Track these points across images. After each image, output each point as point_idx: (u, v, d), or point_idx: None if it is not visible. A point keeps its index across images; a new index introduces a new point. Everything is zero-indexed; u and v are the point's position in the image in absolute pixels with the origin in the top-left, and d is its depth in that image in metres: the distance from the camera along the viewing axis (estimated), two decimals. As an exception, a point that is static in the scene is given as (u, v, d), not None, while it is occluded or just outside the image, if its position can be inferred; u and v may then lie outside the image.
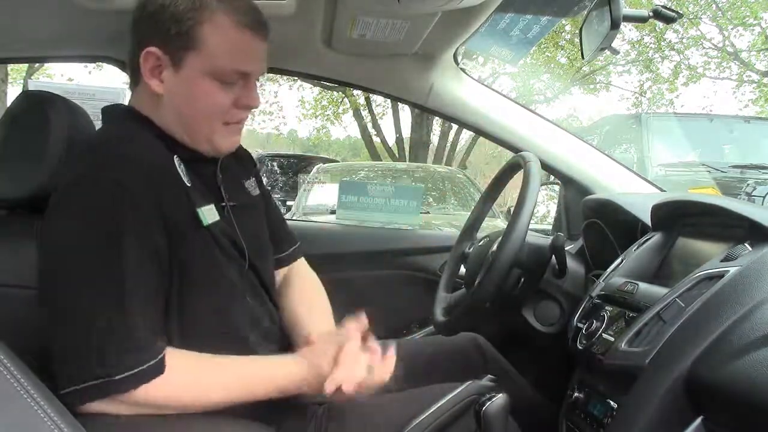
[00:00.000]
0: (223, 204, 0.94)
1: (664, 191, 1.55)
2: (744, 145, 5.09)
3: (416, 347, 1.28)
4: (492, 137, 1.61)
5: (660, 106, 12.36)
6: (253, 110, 0.98)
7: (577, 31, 1.28)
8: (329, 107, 13.12)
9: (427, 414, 0.92)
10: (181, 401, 0.81)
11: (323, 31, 1.39)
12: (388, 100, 10.71)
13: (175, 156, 0.89)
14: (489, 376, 1.10)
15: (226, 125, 0.92)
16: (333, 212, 2.29)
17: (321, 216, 3.53)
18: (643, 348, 0.80)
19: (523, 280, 1.18)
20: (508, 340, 1.35)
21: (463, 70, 1.57)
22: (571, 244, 1.51)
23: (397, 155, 12.12)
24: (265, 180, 1.15)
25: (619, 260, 1.11)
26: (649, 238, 1.09)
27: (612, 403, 0.87)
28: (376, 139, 12.55)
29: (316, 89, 12.39)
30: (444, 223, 4.07)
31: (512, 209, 1.11)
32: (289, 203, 5.55)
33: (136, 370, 0.76)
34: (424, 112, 6.11)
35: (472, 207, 1.46)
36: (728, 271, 0.79)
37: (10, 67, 9.11)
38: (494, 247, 1.17)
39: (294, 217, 4.09)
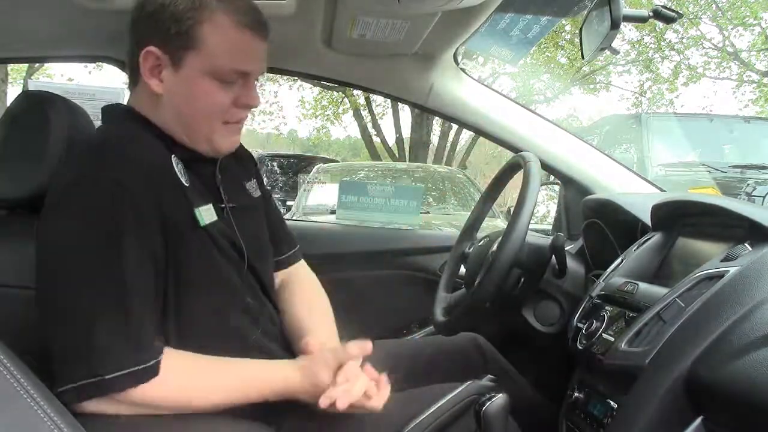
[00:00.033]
0: (222, 205, 0.94)
1: (664, 191, 1.55)
2: (744, 145, 5.09)
3: (416, 347, 1.28)
4: (492, 137, 1.61)
5: (660, 106, 12.37)
6: (253, 110, 0.98)
7: (577, 31, 1.28)
8: (329, 107, 13.12)
9: (427, 414, 0.92)
10: (177, 402, 0.81)
11: (323, 31, 1.39)
12: (388, 100, 10.71)
13: (173, 156, 0.89)
14: (489, 376, 1.10)
15: (226, 125, 0.92)
16: (333, 212, 2.29)
17: (321, 216, 3.54)
18: (643, 348, 0.80)
19: (523, 280, 1.18)
20: (508, 340, 1.35)
21: (463, 70, 1.57)
22: (571, 244, 1.51)
23: (397, 155, 12.12)
24: (264, 180, 1.15)
25: (619, 260, 1.11)
26: (649, 238, 1.09)
27: (612, 403, 0.87)
28: (376, 139, 12.55)
29: (316, 89, 12.39)
30: (444, 223, 4.07)
31: (512, 209, 1.11)
32: (289, 203, 5.56)
33: (132, 369, 0.76)
34: (424, 112, 6.11)
35: (472, 207, 1.46)
36: (728, 271, 0.79)
37: (10, 67, 9.11)
38: (494, 247, 1.17)
39: (294, 217, 4.09)
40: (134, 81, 0.92)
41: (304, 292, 1.11)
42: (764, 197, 3.80)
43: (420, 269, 1.74)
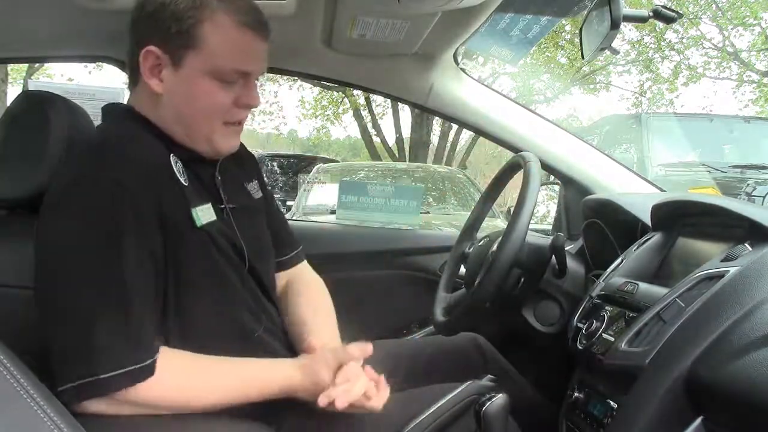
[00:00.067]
0: (222, 206, 0.94)
1: (664, 191, 1.55)
2: (744, 145, 5.09)
3: (416, 347, 1.28)
4: (492, 137, 1.61)
5: (660, 106, 12.37)
6: (253, 110, 0.98)
7: (577, 31, 1.28)
8: (329, 107, 13.12)
9: (427, 414, 0.92)
10: (176, 401, 0.81)
11: (323, 31, 1.39)
12: (388, 100, 10.72)
13: (171, 155, 0.89)
14: (489, 376, 1.10)
15: (226, 125, 0.92)
16: (333, 212, 2.29)
17: (321, 216, 3.54)
18: (643, 348, 0.80)
19: (523, 280, 1.18)
20: (508, 340, 1.35)
21: (463, 70, 1.57)
22: (571, 244, 1.51)
23: (397, 155, 12.12)
24: (265, 180, 1.15)
25: (619, 260, 1.11)
26: (649, 238, 1.09)
27: (612, 403, 0.87)
28: (376, 139, 12.55)
29: (316, 89, 12.40)
30: (444, 223, 4.07)
31: (512, 209, 1.11)
32: (289, 203, 5.56)
33: (129, 369, 0.76)
34: (424, 112, 6.11)
35: (472, 207, 1.46)
36: (728, 271, 0.79)
37: (10, 67, 9.11)
38: (494, 247, 1.17)
39: (294, 217, 4.09)
40: (134, 81, 0.92)
41: (309, 293, 1.11)
42: (764, 197, 3.80)
43: (420, 269, 1.74)
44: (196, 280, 0.86)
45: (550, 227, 2.25)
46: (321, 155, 11.22)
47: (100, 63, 1.77)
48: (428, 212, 4.61)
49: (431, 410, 0.93)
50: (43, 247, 0.83)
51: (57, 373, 0.75)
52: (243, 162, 1.06)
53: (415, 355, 1.21)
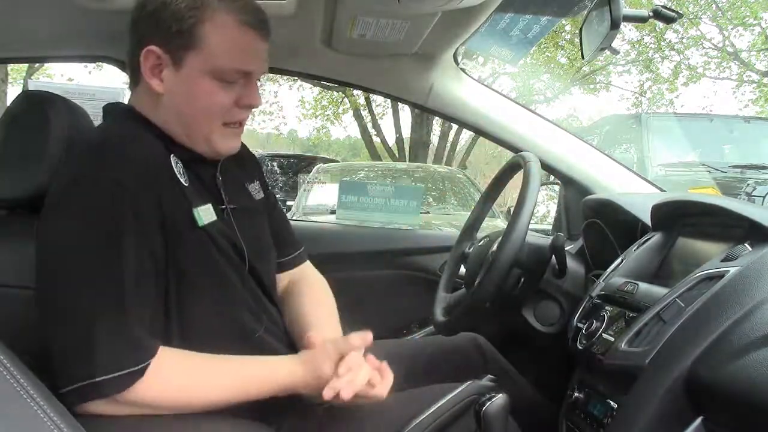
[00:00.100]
0: (223, 206, 0.93)
1: (664, 191, 1.55)
2: (744, 145, 5.09)
3: (416, 347, 1.28)
4: (492, 137, 1.61)
5: (660, 106, 12.37)
6: (252, 110, 0.98)
7: (577, 31, 1.28)
8: (329, 107, 13.12)
9: (427, 414, 0.92)
10: (176, 401, 0.81)
11: (323, 31, 1.39)
12: (388, 100, 10.72)
13: (172, 155, 0.88)
14: (489, 376, 1.10)
15: (226, 126, 0.92)
16: (333, 212, 2.29)
17: (321, 216, 3.54)
18: (643, 348, 0.80)
19: (523, 280, 1.18)
20: (508, 340, 1.35)
21: (463, 70, 1.57)
22: (571, 244, 1.51)
23: (397, 155, 12.12)
24: (266, 181, 1.15)
25: (619, 260, 1.11)
26: (649, 238, 1.09)
27: (612, 403, 0.87)
28: (376, 139, 12.55)
29: (316, 89, 12.39)
30: (444, 223, 4.07)
31: (512, 209, 1.11)
32: (289, 203, 5.55)
33: (128, 371, 0.75)
34: (424, 112, 6.11)
35: (472, 207, 1.46)
36: (728, 271, 0.79)
37: (10, 67, 9.11)
38: (494, 247, 1.17)
39: (294, 217, 4.09)
40: (135, 81, 0.92)
41: (312, 292, 1.11)
42: (764, 197, 3.80)
43: (420, 269, 1.74)
44: (197, 280, 0.86)
45: (550, 227, 2.25)
46: (321, 155, 11.22)
47: (100, 63, 1.76)
48: (428, 212, 4.61)
49: (431, 410, 0.93)
50: (43, 247, 0.83)
51: (57, 374, 0.75)
52: (244, 163, 1.06)
53: (415, 355, 1.21)
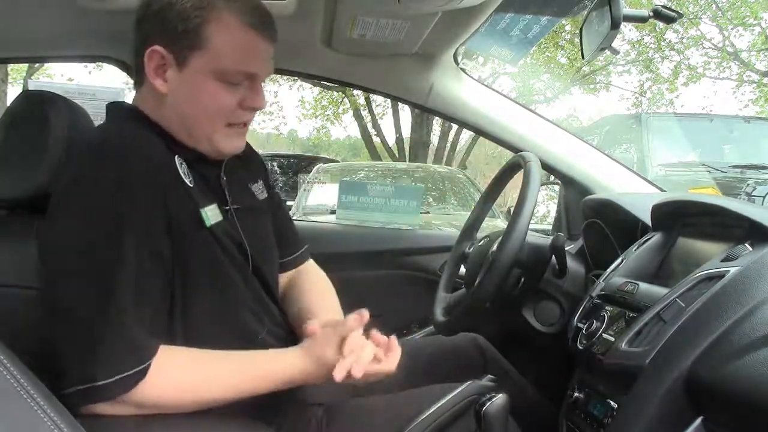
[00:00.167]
0: (227, 207, 0.93)
1: (664, 191, 1.55)
2: (744, 145, 5.09)
3: (416, 347, 1.28)
4: (492, 137, 1.61)
5: (660, 106, 12.37)
6: None
7: (577, 31, 1.28)
8: (329, 107, 13.12)
9: (427, 414, 0.92)
10: (180, 400, 0.80)
11: (323, 31, 1.39)
12: (388, 100, 10.72)
13: (176, 156, 0.88)
14: (489, 376, 1.10)
15: (230, 126, 0.91)
16: (333, 212, 2.29)
17: (321, 216, 3.53)
18: (643, 348, 0.80)
19: (523, 280, 1.18)
20: (508, 340, 1.35)
21: (463, 70, 1.57)
22: (571, 244, 1.51)
23: (397, 155, 12.12)
24: (270, 180, 1.15)
25: (619, 260, 1.11)
26: (649, 238, 1.09)
27: (612, 403, 0.87)
28: (376, 139, 12.55)
29: (316, 89, 12.40)
30: (444, 223, 4.07)
31: (512, 209, 1.11)
32: (289, 203, 5.55)
33: (130, 372, 0.75)
34: (424, 112, 6.11)
35: (472, 207, 1.46)
36: (728, 271, 0.79)
37: (10, 67, 9.11)
38: (494, 247, 1.17)
39: (294, 217, 4.08)
40: (139, 80, 0.91)
41: (313, 285, 1.11)
42: (764, 197, 3.80)
43: (420, 269, 1.74)
44: (201, 281, 0.86)
45: (550, 227, 2.25)
46: (321, 155, 11.23)
47: (100, 63, 1.77)
48: (428, 212, 4.60)
49: (431, 410, 0.93)
50: (44, 248, 0.83)
51: (60, 374, 0.75)
52: (249, 163, 1.05)
53: (415, 355, 1.21)
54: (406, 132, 11.92)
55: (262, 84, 0.94)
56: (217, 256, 0.88)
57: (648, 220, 1.14)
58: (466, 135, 12.03)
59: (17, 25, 1.30)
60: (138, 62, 0.89)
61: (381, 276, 1.74)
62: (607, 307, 1.00)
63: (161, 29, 0.86)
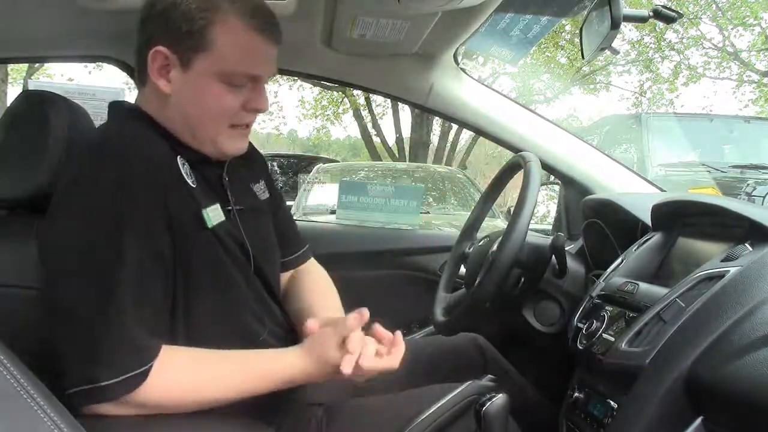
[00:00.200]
0: (229, 207, 0.93)
1: (664, 191, 1.55)
2: (744, 145, 5.09)
3: (416, 347, 1.28)
4: (492, 137, 1.61)
5: (660, 106, 12.38)
6: None
7: (577, 31, 1.28)
8: (329, 107, 13.12)
9: (427, 414, 0.92)
10: (181, 400, 0.80)
11: (323, 31, 1.39)
12: (388, 100, 10.72)
13: (178, 156, 0.88)
14: (489, 376, 1.10)
15: (233, 128, 0.91)
16: (333, 212, 2.29)
17: (321, 216, 3.53)
18: (643, 348, 0.80)
19: (523, 280, 1.18)
20: (508, 340, 1.35)
21: (463, 70, 1.57)
22: (571, 244, 1.51)
23: (397, 155, 12.12)
24: (273, 180, 1.15)
25: (619, 260, 1.11)
26: (649, 238, 1.09)
27: (612, 403, 0.87)
28: (376, 139, 12.55)
29: (316, 89, 12.40)
30: (444, 223, 4.07)
31: (512, 209, 1.11)
32: (289, 203, 5.54)
33: (132, 374, 0.75)
34: (424, 112, 6.11)
35: (472, 207, 1.46)
36: (728, 271, 0.79)
37: (10, 67, 9.12)
38: (494, 247, 1.17)
39: (294, 217, 4.08)
40: (142, 81, 0.91)
41: (315, 284, 1.11)
42: (764, 197, 3.80)
43: (420, 269, 1.74)
44: (203, 281, 0.86)
45: (550, 227, 2.25)
46: (321, 155, 11.23)
47: (100, 63, 1.77)
48: (428, 212, 4.60)
49: (431, 410, 0.93)
50: (44, 248, 0.83)
51: (62, 374, 0.75)
52: (251, 163, 1.05)
53: (415, 355, 1.20)
54: (406, 132, 11.93)
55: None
56: (219, 256, 0.88)
57: (648, 220, 1.14)
58: (466, 135, 12.04)
59: (17, 25, 1.30)
60: (141, 62, 0.89)
61: (381, 276, 1.74)
62: (607, 307, 1.00)
63: (165, 30, 0.85)
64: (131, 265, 0.77)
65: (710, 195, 3.11)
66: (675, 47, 11.94)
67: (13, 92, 9.37)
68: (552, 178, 1.72)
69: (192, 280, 0.85)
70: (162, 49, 0.86)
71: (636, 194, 1.48)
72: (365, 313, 0.88)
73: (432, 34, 1.34)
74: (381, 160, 11.59)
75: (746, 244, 0.83)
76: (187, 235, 0.84)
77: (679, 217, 1.06)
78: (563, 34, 10.89)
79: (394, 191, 1.88)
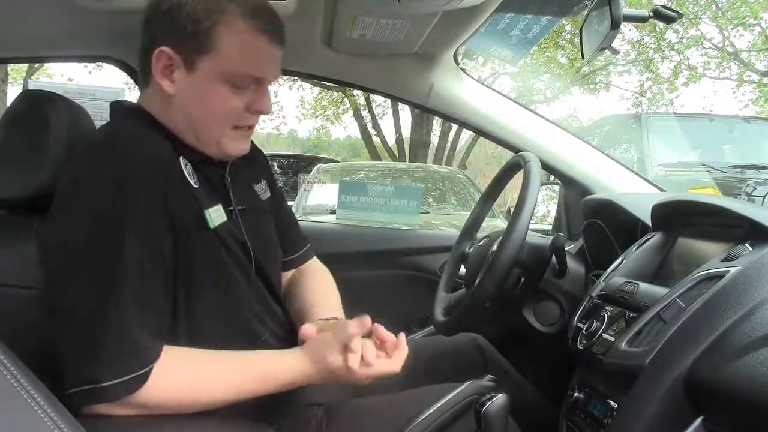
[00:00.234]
0: (231, 207, 0.93)
1: (664, 191, 1.55)
2: (744, 145, 5.09)
3: (416, 347, 1.28)
4: (492, 137, 1.61)
5: (660, 106, 12.38)
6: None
7: (577, 31, 1.28)
8: (329, 107, 13.12)
9: (427, 414, 0.92)
10: (182, 401, 0.80)
11: (323, 31, 1.39)
12: (388, 100, 10.72)
13: (181, 157, 0.88)
14: (489, 376, 1.10)
15: (236, 129, 0.91)
16: (333, 212, 2.29)
17: (321, 216, 3.53)
18: (643, 348, 0.80)
19: (523, 280, 1.18)
20: (508, 340, 1.35)
21: (463, 70, 1.57)
22: (571, 244, 1.51)
23: (397, 155, 12.12)
24: (275, 180, 1.15)
25: (619, 260, 1.11)
26: (649, 238, 1.09)
27: (612, 403, 0.87)
28: (376, 139, 12.56)
29: (316, 89, 12.40)
30: (444, 223, 4.07)
31: (512, 209, 1.11)
32: (289, 203, 5.53)
33: (133, 375, 0.75)
34: (424, 112, 6.11)
35: (472, 207, 1.46)
36: (728, 271, 0.79)
37: (10, 67, 9.11)
38: (494, 247, 1.17)
39: (294, 217, 4.08)
40: (145, 81, 0.91)
41: (316, 283, 1.11)
42: (764, 197, 3.80)
43: (420, 269, 1.74)
44: (205, 281, 0.86)
45: (550, 227, 2.25)
46: (321, 155, 11.23)
47: (100, 63, 1.77)
48: (428, 212, 4.61)
49: (431, 410, 0.93)
50: (45, 248, 0.83)
51: (62, 375, 0.75)
52: (253, 162, 1.05)
53: (415, 355, 1.20)
54: (406, 132, 11.93)
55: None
56: (221, 256, 0.88)
57: (648, 220, 1.14)
58: (466, 135, 12.04)
59: (17, 25, 1.30)
60: (145, 62, 0.89)
61: (381, 276, 1.74)
62: (607, 307, 1.00)
63: (170, 30, 0.85)
64: (132, 265, 0.77)
65: (710, 195, 3.11)
66: (675, 47, 11.95)
67: (13, 92, 9.37)
68: (552, 178, 1.72)
69: (194, 280, 0.85)
70: (166, 50, 0.85)
71: (636, 194, 1.48)
72: (367, 320, 0.88)
73: (432, 34, 1.34)
74: (381, 160, 11.59)
75: (746, 244, 0.83)
76: (189, 236, 0.83)
77: (679, 217, 1.06)
78: (563, 34, 10.89)
79: (394, 191, 1.88)
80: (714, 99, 22.92)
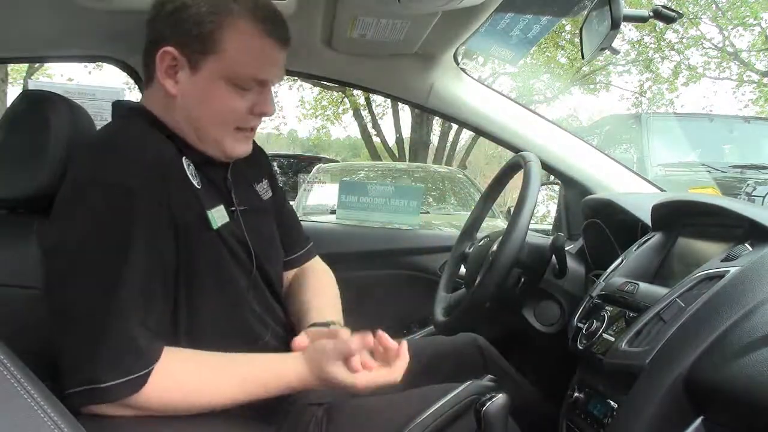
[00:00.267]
0: (233, 208, 0.93)
1: (664, 191, 1.55)
2: (744, 145, 5.09)
3: (416, 347, 1.28)
4: (492, 137, 1.61)
5: (660, 106, 12.38)
6: None
7: (577, 31, 1.28)
8: (329, 107, 13.12)
9: (427, 414, 0.92)
10: (181, 403, 0.80)
11: (323, 31, 1.39)
12: (388, 100, 10.72)
13: (184, 157, 0.88)
14: (489, 376, 1.10)
15: (238, 131, 0.91)
16: (333, 212, 2.29)
17: (321, 216, 3.53)
18: (644, 348, 0.80)
19: (523, 280, 1.18)
20: (508, 340, 1.35)
21: (463, 70, 1.57)
22: (571, 244, 1.51)
23: (397, 155, 12.12)
24: (277, 179, 1.15)
25: (619, 260, 1.11)
26: (650, 238, 1.09)
27: (612, 403, 0.87)
28: (376, 139, 12.56)
29: (316, 89, 12.39)
30: (444, 223, 4.07)
31: (512, 209, 1.11)
32: (289, 203, 5.54)
33: (133, 377, 0.75)
34: (424, 112, 6.11)
35: (472, 207, 1.46)
36: (728, 271, 0.79)
37: (10, 67, 9.12)
38: (494, 247, 1.17)
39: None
40: (148, 80, 0.91)
41: (317, 283, 1.11)
42: (764, 197, 3.80)
43: (420, 269, 1.74)
44: (206, 282, 0.86)
45: (550, 227, 2.25)
46: (321, 155, 11.22)
47: (100, 63, 1.77)
48: (428, 212, 4.61)
49: (431, 410, 0.92)
50: (46, 248, 0.83)
51: (63, 375, 0.75)
52: (255, 162, 1.05)
53: (415, 355, 1.20)
54: (406, 132, 11.93)
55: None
56: (222, 257, 0.88)
57: (648, 220, 1.14)
58: (466, 135, 12.04)
59: (17, 25, 1.30)
60: (148, 61, 0.89)
61: (381, 276, 1.74)
62: (607, 307, 1.00)
63: (174, 31, 0.85)
64: (134, 265, 0.77)
65: (710, 195, 3.11)
66: (675, 47, 11.95)
67: (13, 92, 9.37)
68: (552, 178, 1.72)
69: (195, 280, 0.85)
70: (170, 50, 0.85)
71: (636, 194, 1.48)
72: (369, 338, 0.87)
73: (432, 34, 1.34)
74: (381, 160, 11.59)
75: (746, 244, 0.83)
76: (191, 236, 0.83)
77: (679, 217, 1.06)
78: (563, 34, 10.89)
79: (394, 191, 1.88)
80: (714, 99, 23.01)
